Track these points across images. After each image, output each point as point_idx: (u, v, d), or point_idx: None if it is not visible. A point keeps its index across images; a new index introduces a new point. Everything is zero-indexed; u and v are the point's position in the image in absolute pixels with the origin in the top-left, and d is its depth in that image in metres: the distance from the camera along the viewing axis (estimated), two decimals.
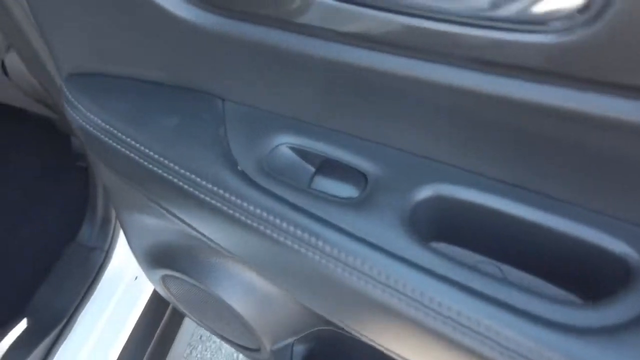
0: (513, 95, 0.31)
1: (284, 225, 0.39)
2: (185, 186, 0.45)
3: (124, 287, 1.10)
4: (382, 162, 0.41)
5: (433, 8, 0.30)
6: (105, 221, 1.11)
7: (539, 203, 0.37)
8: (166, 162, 0.45)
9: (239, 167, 0.43)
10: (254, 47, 0.40)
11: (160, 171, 0.46)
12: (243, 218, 0.41)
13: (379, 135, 0.42)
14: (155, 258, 0.80)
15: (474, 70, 0.32)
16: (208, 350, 1.50)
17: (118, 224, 1.11)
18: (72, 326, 1.02)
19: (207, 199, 0.43)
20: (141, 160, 0.47)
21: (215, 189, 0.43)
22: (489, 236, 0.41)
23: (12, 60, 0.99)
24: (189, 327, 1.26)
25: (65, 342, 1.00)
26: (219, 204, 0.43)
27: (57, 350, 0.98)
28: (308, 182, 0.43)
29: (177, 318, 1.20)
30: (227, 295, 0.73)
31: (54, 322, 1.00)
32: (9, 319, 0.99)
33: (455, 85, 0.33)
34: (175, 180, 0.45)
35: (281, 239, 0.40)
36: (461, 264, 0.36)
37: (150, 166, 0.47)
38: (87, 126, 0.51)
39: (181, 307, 0.91)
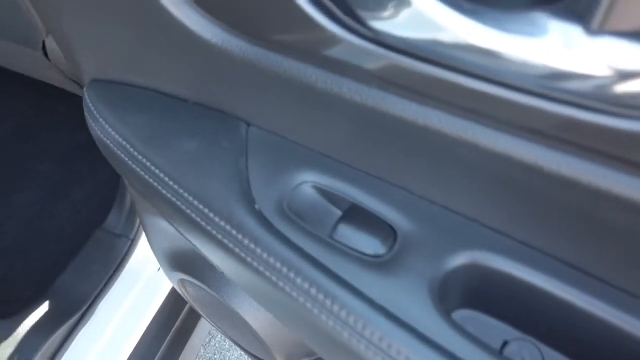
0: (581, 178, 0.26)
1: (298, 280, 0.35)
2: (198, 219, 0.41)
3: (146, 276, 1.10)
4: (415, 217, 0.37)
5: (501, 72, 0.24)
6: (133, 210, 1.11)
7: (591, 289, 0.32)
8: (180, 190, 0.42)
9: (256, 206, 0.39)
10: (282, 79, 0.35)
11: (173, 198, 0.43)
12: (255, 264, 0.38)
13: (415, 187, 0.37)
14: (174, 261, 0.78)
15: (541, 145, 0.26)
16: (226, 340, 1.50)
17: None
18: (94, 311, 1.02)
19: (219, 236, 0.39)
20: (155, 184, 0.44)
21: (227, 227, 0.39)
22: (530, 313, 0.36)
23: (52, 42, 0.98)
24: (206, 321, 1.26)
25: (85, 327, 1.01)
26: (230, 245, 0.39)
27: (77, 334, 0.99)
28: (331, 228, 0.38)
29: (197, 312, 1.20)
30: (242, 309, 0.70)
31: (75, 306, 1.01)
32: (31, 299, 1.01)
33: (515, 158, 0.28)
34: (188, 211, 0.41)
35: (294, 294, 0.36)
36: (491, 350, 0.32)
37: (164, 191, 0.43)
38: (105, 139, 0.48)
39: (198, 310, 0.90)
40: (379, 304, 0.33)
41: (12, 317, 0.97)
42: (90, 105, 0.48)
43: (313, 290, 0.35)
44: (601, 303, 0.32)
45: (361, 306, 0.33)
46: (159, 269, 1.11)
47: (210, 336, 1.49)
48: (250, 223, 0.38)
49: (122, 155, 0.47)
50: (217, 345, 1.49)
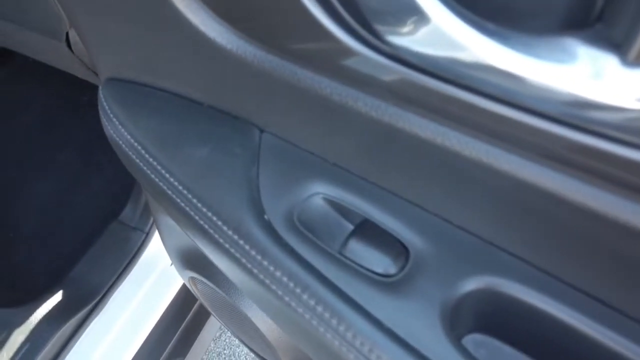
0: (607, 212, 0.24)
1: (305, 297, 0.34)
2: (206, 226, 0.40)
3: (159, 270, 1.10)
4: (429, 237, 0.35)
5: (525, 97, 0.23)
6: (148, 205, 1.11)
7: (611, 321, 0.31)
8: (189, 196, 0.41)
9: (265, 216, 0.38)
10: (297, 89, 0.34)
11: (182, 204, 0.42)
12: (261, 276, 0.37)
13: (430, 205, 0.35)
14: (185, 259, 0.78)
15: (565, 174, 0.25)
16: None
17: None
18: (106, 303, 1.03)
19: (227, 245, 0.39)
20: (164, 188, 0.43)
21: (235, 237, 0.38)
22: (544, 341, 0.34)
23: (76, 35, 0.99)
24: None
25: (97, 318, 1.01)
26: (237, 254, 0.38)
27: (89, 325, 1.00)
28: (341, 243, 0.37)
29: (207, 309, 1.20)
30: (250, 312, 0.70)
31: (88, 297, 1.02)
32: (46, 288, 1.02)
33: (536, 185, 0.26)
34: (197, 217, 0.41)
35: (300, 310, 0.35)
36: None
37: (174, 196, 0.43)
38: (118, 140, 0.48)
39: (208, 307, 0.90)
40: (387, 326, 0.32)
41: (26, 305, 0.98)
42: (105, 104, 0.48)
43: (319, 308, 0.34)
44: (621, 338, 0.31)
45: (368, 328, 0.32)
46: (172, 263, 1.11)
47: (221, 331, 1.50)
48: (259, 234, 0.37)
49: (134, 157, 0.47)
50: (227, 340, 1.50)
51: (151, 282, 1.08)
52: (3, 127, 1.38)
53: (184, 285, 1.13)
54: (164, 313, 1.08)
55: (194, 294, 0.91)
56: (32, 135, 1.37)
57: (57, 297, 1.00)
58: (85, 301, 1.01)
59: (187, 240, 0.73)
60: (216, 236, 0.39)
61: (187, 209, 0.42)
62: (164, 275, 1.10)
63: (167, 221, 0.72)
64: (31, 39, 1.06)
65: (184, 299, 1.13)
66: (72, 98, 1.42)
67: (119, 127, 0.47)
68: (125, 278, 1.06)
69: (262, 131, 0.43)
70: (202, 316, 1.21)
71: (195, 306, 1.16)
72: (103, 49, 0.47)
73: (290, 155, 0.41)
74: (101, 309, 1.02)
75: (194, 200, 0.41)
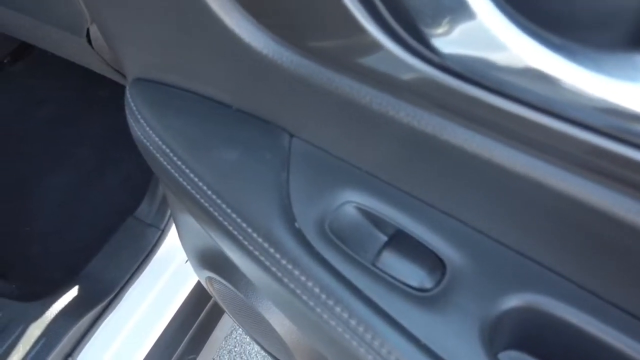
0: None
1: (338, 309, 0.34)
2: (235, 232, 0.40)
3: (174, 267, 1.10)
4: (467, 251, 0.34)
5: (591, 115, 0.22)
6: (164, 201, 1.11)
7: None
8: (218, 201, 0.41)
9: (296, 224, 0.37)
10: (334, 95, 0.33)
11: (211, 208, 0.42)
12: (292, 286, 0.36)
13: (468, 217, 0.34)
14: (203, 259, 0.78)
15: (619, 193, 0.24)
16: None
17: None
18: (121, 299, 1.03)
19: (256, 253, 0.38)
20: (192, 191, 0.42)
21: (265, 245, 0.37)
22: None
23: (97, 31, 0.99)
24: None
25: (112, 314, 1.02)
26: (267, 263, 0.37)
27: (104, 320, 1.00)
28: (374, 254, 0.36)
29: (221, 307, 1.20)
30: (268, 314, 0.69)
31: (104, 292, 1.02)
32: (62, 282, 1.02)
33: (588, 203, 0.25)
34: (225, 223, 0.40)
35: (332, 322, 0.34)
36: None
37: (202, 200, 0.42)
38: (145, 141, 0.47)
39: (223, 306, 0.90)
40: (424, 343, 0.31)
41: (43, 299, 0.98)
42: (132, 105, 0.47)
43: (353, 322, 0.33)
44: None
45: (404, 344, 0.31)
46: (187, 261, 1.11)
47: (232, 328, 1.50)
48: (290, 242, 0.36)
49: (161, 159, 0.46)
50: (238, 338, 1.50)
51: (166, 279, 1.08)
52: (20, 121, 1.39)
53: (197, 283, 1.12)
54: (178, 310, 1.08)
55: (210, 292, 0.90)
56: (48, 129, 1.37)
57: (73, 292, 1.00)
58: (101, 297, 1.01)
59: (207, 241, 0.73)
60: (245, 242, 0.39)
61: (216, 213, 0.41)
62: (179, 272, 1.10)
63: (187, 220, 0.72)
64: (51, 34, 1.06)
65: (198, 296, 1.13)
66: (89, 92, 1.42)
67: (147, 129, 0.46)
68: (140, 274, 1.06)
69: (292, 136, 0.42)
70: (215, 314, 1.21)
71: (209, 304, 1.16)
72: (131, 49, 0.46)
73: (321, 161, 0.40)
74: (116, 305, 1.02)
75: (223, 205, 0.40)
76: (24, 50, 1.48)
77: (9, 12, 1.04)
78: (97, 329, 0.99)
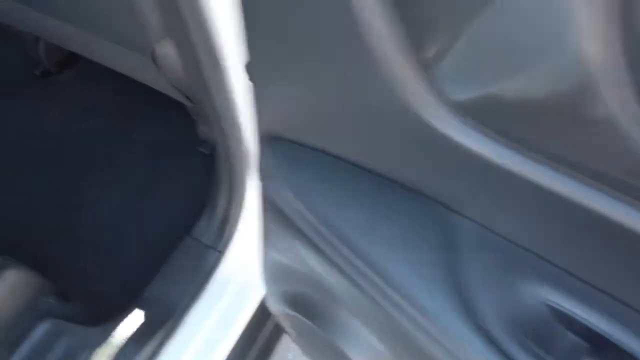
0: None
1: None
2: (397, 316, 0.37)
3: (233, 291, 1.08)
4: None
5: None
6: (224, 222, 1.08)
7: None
8: (374, 277, 0.38)
9: (480, 322, 0.34)
10: (543, 192, 0.30)
11: (365, 284, 0.39)
12: None
13: None
14: (288, 300, 0.75)
15: None
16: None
17: (236, 226, 1.07)
18: (182, 324, 1.01)
19: (434, 351, 0.35)
20: (334, 259, 0.39)
21: (443, 341, 0.34)
22: None
23: (162, 50, 0.96)
24: (288, 340, 1.24)
25: (174, 340, 1.00)
26: (439, 354, 0.35)
27: (167, 347, 0.98)
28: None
29: (280, 331, 1.18)
30: (350, 351, 0.67)
31: (165, 317, 1.00)
32: (121, 305, 1.00)
33: None
34: (392, 309, 0.37)
35: None
36: None
37: (354, 276, 0.39)
38: (278, 201, 0.44)
39: (290, 335, 0.88)
40: None
41: (105, 322, 0.97)
42: (270, 164, 0.44)
43: None
44: None
45: None
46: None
47: (287, 349, 1.47)
48: (477, 345, 0.33)
49: (297, 222, 0.43)
50: None
51: (225, 303, 1.06)
52: (68, 131, 1.37)
53: (257, 308, 1.10)
54: (239, 336, 1.06)
55: (281, 324, 0.88)
56: (99, 141, 1.35)
57: (135, 316, 0.98)
58: (162, 321, 0.99)
59: (291, 283, 0.70)
60: (418, 335, 0.36)
61: (372, 292, 0.38)
62: (238, 296, 1.08)
63: (275, 260, 0.69)
64: (113, 51, 1.03)
65: (258, 321, 1.10)
66: (142, 105, 1.39)
67: (284, 191, 0.43)
68: (200, 298, 1.04)
69: (446, 209, 0.39)
70: (274, 339, 1.18)
71: (268, 328, 1.14)
72: (276, 104, 0.43)
73: (492, 245, 0.37)
74: (178, 330, 1.00)
75: (389, 289, 0.37)
76: (71, 58, 1.46)
77: (64, 25, 1.02)
78: (160, 355, 0.97)
